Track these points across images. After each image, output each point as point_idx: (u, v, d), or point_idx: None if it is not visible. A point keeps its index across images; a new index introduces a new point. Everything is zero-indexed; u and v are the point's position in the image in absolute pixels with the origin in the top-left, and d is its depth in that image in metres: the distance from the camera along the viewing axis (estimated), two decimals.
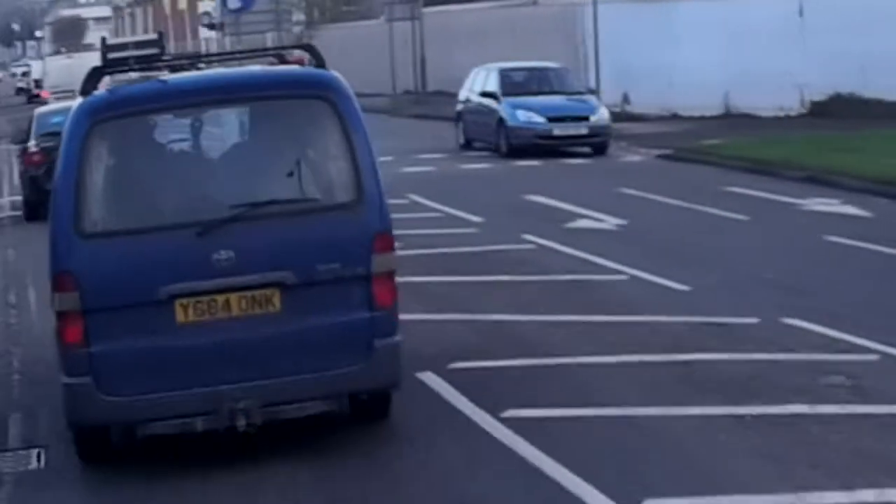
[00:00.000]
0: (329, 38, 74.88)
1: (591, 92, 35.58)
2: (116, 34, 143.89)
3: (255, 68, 13.05)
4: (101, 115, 10.90)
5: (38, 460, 11.70)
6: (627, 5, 43.44)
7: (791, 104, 40.78)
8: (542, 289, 17.25)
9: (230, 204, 10.75)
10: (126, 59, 11.57)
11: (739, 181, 26.87)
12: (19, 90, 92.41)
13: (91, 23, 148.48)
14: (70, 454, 11.48)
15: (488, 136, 34.47)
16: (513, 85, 34.82)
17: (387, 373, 10.97)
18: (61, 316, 10.66)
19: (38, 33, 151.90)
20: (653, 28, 42.21)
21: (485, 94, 34.85)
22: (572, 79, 36.30)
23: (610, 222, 22.10)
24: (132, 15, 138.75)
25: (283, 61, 12.36)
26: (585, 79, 42.65)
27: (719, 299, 16.10)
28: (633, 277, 17.38)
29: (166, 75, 11.78)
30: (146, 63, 11.79)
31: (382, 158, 32.60)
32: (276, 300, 10.68)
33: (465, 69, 55.13)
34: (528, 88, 34.83)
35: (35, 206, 26.66)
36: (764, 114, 40.04)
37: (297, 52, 12.86)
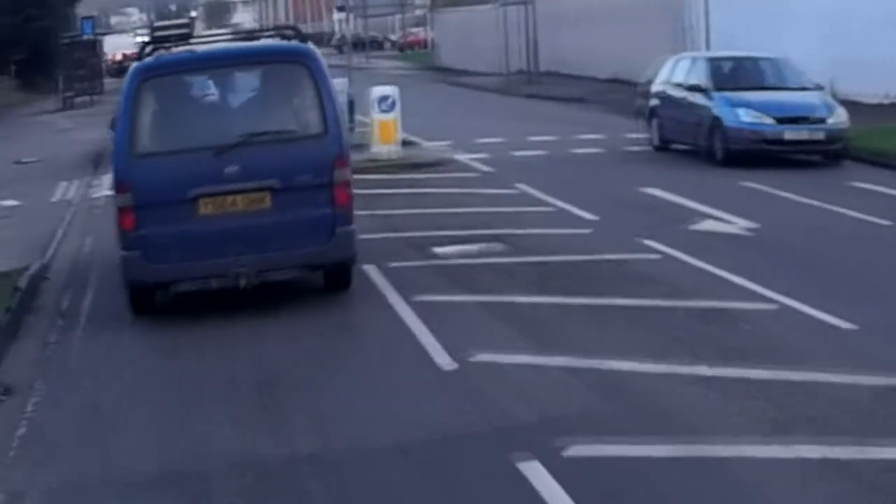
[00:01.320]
0: (448, 21, 70.72)
1: (819, 88, 25.36)
2: (260, 16, 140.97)
3: (257, 42, 16.04)
4: (147, 75, 13.47)
5: None
6: None
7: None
8: (673, 321, 12.24)
9: (237, 134, 13.31)
10: (167, 37, 15.21)
11: (864, 176, 21.95)
12: None
13: (239, 5, 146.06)
14: None
15: (695, 137, 24.88)
16: (724, 77, 25.50)
17: (344, 250, 13.53)
18: (120, 210, 13.17)
19: (191, 13, 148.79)
20: (759, 14, 37.11)
21: (690, 88, 25.56)
22: (792, 70, 25.99)
23: (739, 225, 17.21)
24: None
25: (284, 38, 15.04)
26: None
27: None
28: (783, 307, 12.46)
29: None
30: (180, 40, 15.14)
31: (494, 140, 28.02)
32: (268, 199, 13.21)
33: (574, 52, 50.71)
34: (741, 82, 25.31)
35: None
36: (868, 101, 34.72)
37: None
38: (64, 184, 26.05)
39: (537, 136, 29.18)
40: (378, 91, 25.02)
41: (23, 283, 15.40)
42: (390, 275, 14.62)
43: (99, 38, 56.59)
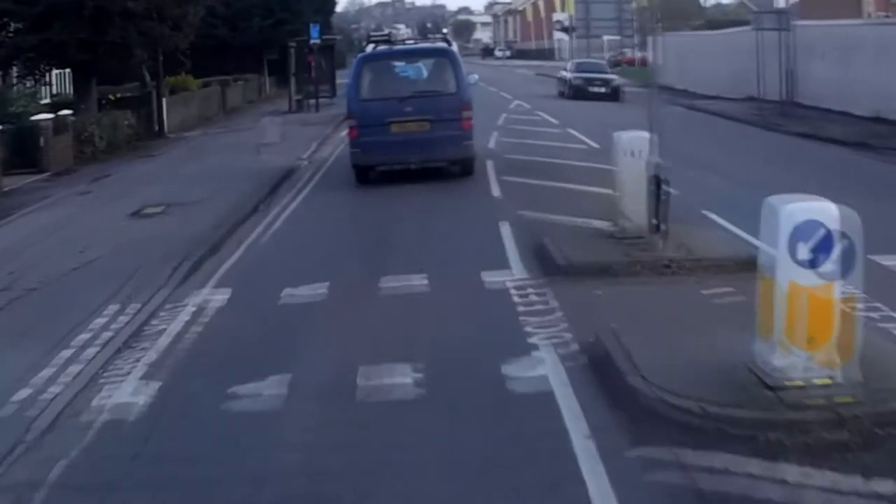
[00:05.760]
0: (666, 43, 52.29)
1: None
2: (494, 34, 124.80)
3: (426, 44, 19.88)
4: (367, 59, 17.15)
5: None
6: None
7: None
8: None
9: (412, 91, 16.60)
10: (377, 40, 18.58)
11: None
12: None
13: (478, 25, 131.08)
14: None
15: None
16: None
17: (467, 153, 16.79)
18: (350, 128, 16.78)
19: (443, 30, 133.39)
20: None
21: None
22: None
23: None
24: (505, 21, 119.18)
25: (445, 40, 19.16)
26: None
27: None
28: None
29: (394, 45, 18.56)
30: (384, 42, 18.51)
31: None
32: (427, 125, 16.33)
33: (825, 83, 31.92)
34: None
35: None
36: None
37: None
38: (111, 309, 9.10)
39: None
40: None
41: None
42: None
43: (335, 41, 39.51)
